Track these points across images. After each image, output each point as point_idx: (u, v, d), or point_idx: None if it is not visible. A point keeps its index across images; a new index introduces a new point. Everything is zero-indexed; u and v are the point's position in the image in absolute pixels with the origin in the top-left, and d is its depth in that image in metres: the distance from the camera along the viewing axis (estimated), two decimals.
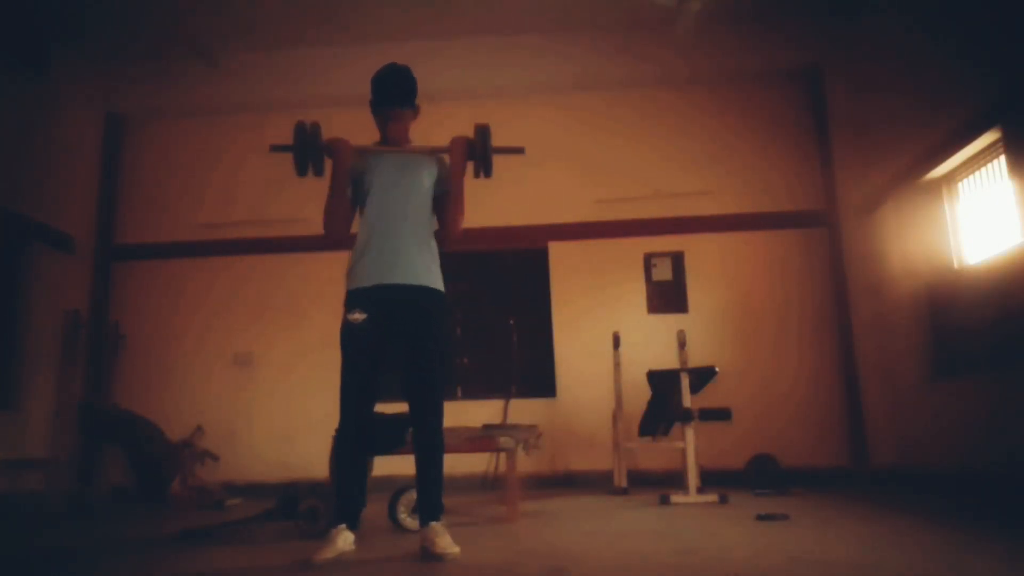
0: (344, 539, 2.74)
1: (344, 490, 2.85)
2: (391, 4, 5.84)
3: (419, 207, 2.96)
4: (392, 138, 3.02)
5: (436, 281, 2.94)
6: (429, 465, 2.86)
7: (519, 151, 2.99)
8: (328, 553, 2.67)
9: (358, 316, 2.83)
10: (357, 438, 2.86)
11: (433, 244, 3.00)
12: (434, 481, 2.86)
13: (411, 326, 2.88)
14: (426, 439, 2.86)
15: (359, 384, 2.84)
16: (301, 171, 2.93)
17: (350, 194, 2.98)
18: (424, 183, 2.98)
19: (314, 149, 2.92)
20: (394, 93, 2.97)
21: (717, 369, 4.83)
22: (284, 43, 6.32)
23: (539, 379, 6.15)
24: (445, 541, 2.70)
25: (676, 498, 4.31)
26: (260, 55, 6.39)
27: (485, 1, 5.86)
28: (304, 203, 6.30)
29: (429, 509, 2.83)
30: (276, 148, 3.03)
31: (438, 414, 2.89)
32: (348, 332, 2.85)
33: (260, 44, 6.31)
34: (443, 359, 2.94)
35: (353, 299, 2.87)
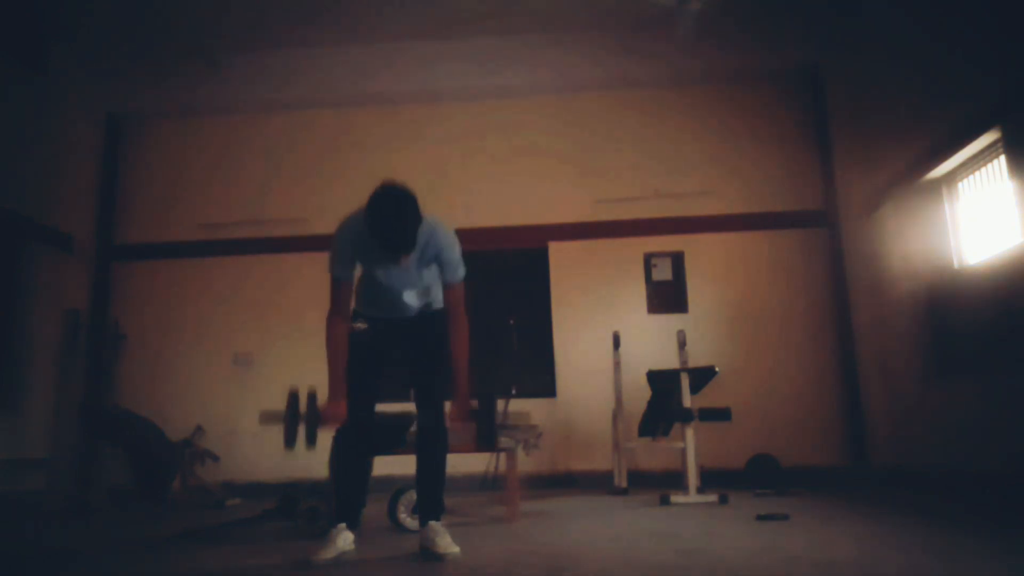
0: (344, 539, 2.75)
1: (344, 490, 2.86)
2: (391, 5, 5.84)
3: (419, 283, 2.89)
4: None
5: (437, 302, 2.97)
6: (431, 463, 2.87)
7: (532, 431, 2.96)
8: (328, 553, 2.67)
9: (361, 325, 2.90)
10: (357, 438, 2.87)
11: (435, 288, 2.94)
12: (435, 480, 2.87)
13: (415, 338, 2.95)
14: (430, 425, 2.87)
15: (360, 385, 2.85)
16: (289, 442, 2.90)
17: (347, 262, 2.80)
18: (423, 270, 2.86)
19: (306, 420, 2.91)
20: (393, 250, 2.60)
21: (717, 369, 4.83)
22: (284, 43, 6.32)
23: (539, 379, 6.14)
24: (445, 541, 2.71)
25: (676, 498, 4.31)
26: (260, 55, 6.39)
27: (486, 1, 5.87)
28: (304, 203, 6.36)
29: (429, 508, 2.84)
30: (266, 417, 2.85)
31: (441, 401, 2.91)
32: (351, 337, 2.88)
33: (260, 44, 6.31)
34: (447, 359, 2.94)
35: (358, 316, 2.95)
